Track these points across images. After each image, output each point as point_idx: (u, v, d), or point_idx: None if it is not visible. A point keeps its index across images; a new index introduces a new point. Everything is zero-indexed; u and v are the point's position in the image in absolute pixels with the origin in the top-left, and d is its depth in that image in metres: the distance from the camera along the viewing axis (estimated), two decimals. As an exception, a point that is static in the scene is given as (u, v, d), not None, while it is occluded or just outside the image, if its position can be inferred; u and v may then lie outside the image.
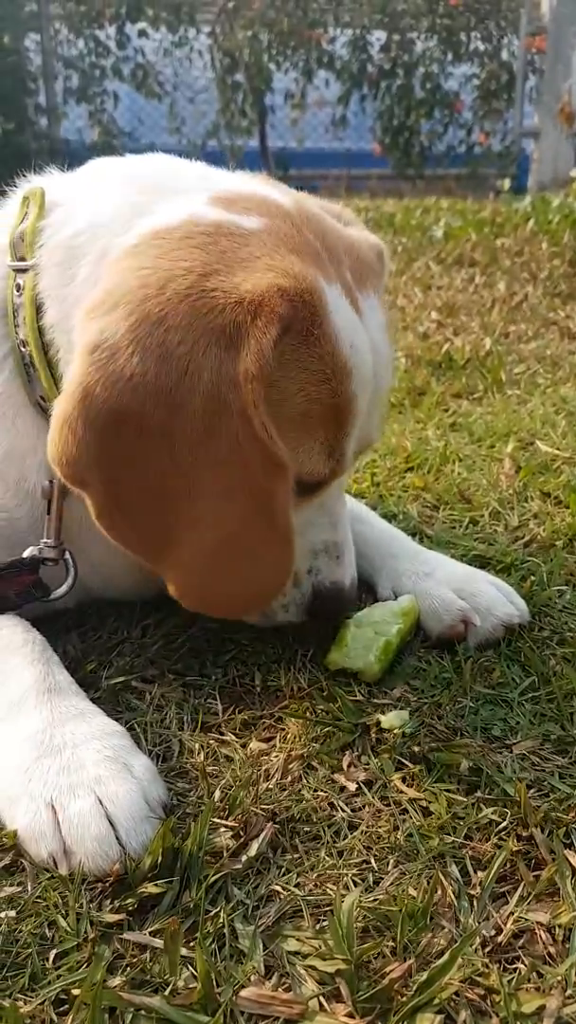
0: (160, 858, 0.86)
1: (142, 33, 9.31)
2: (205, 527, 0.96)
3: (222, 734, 1.08)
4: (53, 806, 0.88)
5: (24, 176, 1.28)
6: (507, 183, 7.33)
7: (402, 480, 1.74)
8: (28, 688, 1.00)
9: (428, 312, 3.18)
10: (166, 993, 0.75)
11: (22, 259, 1.13)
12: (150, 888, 0.83)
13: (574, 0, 8.90)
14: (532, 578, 1.35)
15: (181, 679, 1.18)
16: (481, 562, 1.42)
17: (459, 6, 9.61)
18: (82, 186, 1.19)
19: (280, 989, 0.76)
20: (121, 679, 1.16)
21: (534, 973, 0.78)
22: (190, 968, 0.78)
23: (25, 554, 1.14)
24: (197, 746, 1.05)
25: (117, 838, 0.86)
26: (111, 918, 0.82)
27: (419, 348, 2.67)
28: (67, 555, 1.15)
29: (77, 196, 1.16)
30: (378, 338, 1.10)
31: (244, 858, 0.89)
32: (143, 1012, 0.73)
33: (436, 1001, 0.75)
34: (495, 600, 1.23)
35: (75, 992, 0.75)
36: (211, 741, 1.07)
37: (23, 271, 1.12)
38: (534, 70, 9.90)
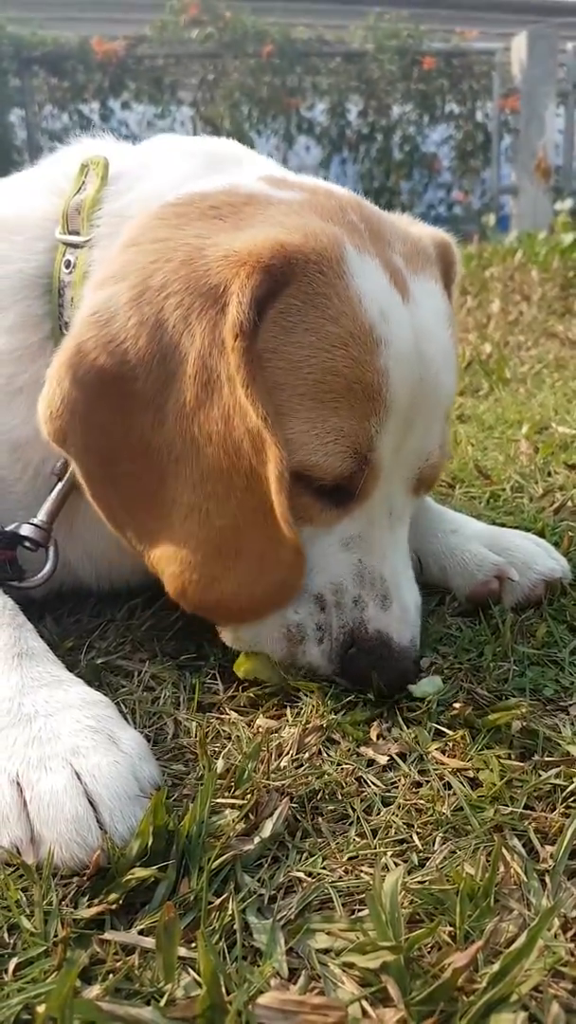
0: (151, 840, 0.68)
1: (125, 106, 9.53)
2: (199, 514, 0.85)
3: (224, 713, 0.91)
4: (19, 783, 0.71)
5: (76, 137, 1.17)
6: (492, 218, 7.36)
7: (412, 463, 1.60)
8: (-7, 653, 0.84)
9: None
10: (161, 1004, 0.58)
11: (75, 232, 1.02)
12: (138, 874, 0.66)
13: (544, 61, 9.19)
14: (571, 535, 1.20)
15: (175, 660, 1.02)
16: (508, 532, 1.26)
17: (433, 71, 9.86)
18: (149, 156, 1.08)
19: (310, 993, 0.59)
20: (105, 659, 1.00)
21: None
22: (191, 972, 0.60)
23: (7, 527, 1.00)
24: (194, 725, 0.89)
25: (98, 820, 0.69)
26: (88, 913, 0.64)
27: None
28: (52, 544, 1.01)
29: (143, 166, 1.06)
30: (432, 325, 0.93)
31: (256, 840, 0.71)
32: (130, 1028, 0.56)
33: (514, 997, 0.57)
34: (534, 554, 1.08)
35: (41, 1010, 0.57)
36: (211, 720, 0.90)
37: (76, 246, 1.02)
38: (509, 129, 10.16)
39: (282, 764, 0.82)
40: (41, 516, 1.00)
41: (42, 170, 1.16)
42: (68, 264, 1.01)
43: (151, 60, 9.41)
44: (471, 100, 10.24)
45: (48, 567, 1.00)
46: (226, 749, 0.84)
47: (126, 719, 0.86)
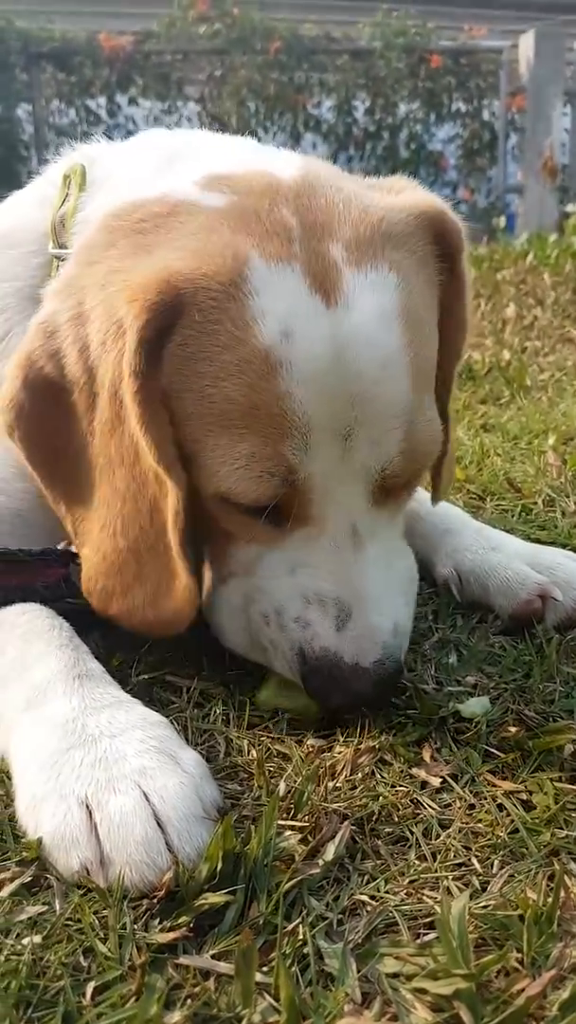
0: (219, 865, 0.70)
1: (132, 101, 9.51)
2: (109, 530, 0.91)
3: (272, 732, 0.92)
4: (88, 804, 0.72)
5: (69, 145, 1.20)
6: (503, 221, 7.36)
7: (441, 475, 1.61)
8: (55, 674, 0.85)
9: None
10: (240, 1029, 0.59)
11: (63, 246, 1.07)
12: (210, 899, 0.67)
13: (552, 60, 9.16)
14: (608, 554, 1.21)
15: (222, 675, 1.03)
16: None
17: (440, 69, 9.84)
18: (121, 161, 1.11)
19: (384, 1019, 0.60)
20: (154, 674, 1.01)
21: None
22: (267, 997, 0.61)
23: (59, 546, 1.02)
24: (246, 744, 0.90)
25: (167, 843, 0.70)
26: (162, 938, 0.65)
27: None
28: None
29: (109, 172, 1.10)
30: (366, 329, 0.85)
31: (320, 863, 0.73)
32: (213, 1054, 0.57)
33: (585, 1026, 0.58)
34: (577, 573, 1.09)
35: (122, 1034, 0.58)
36: (261, 739, 0.91)
37: (64, 260, 1.04)
38: (515, 128, 10.15)
39: (337, 785, 0.83)
40: None
41: (35, 181, 1.21)
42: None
43: (159, 56, 9.40)
44: (478, 98, 10.22)
45: None
46: (286, 772, 0.85)
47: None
